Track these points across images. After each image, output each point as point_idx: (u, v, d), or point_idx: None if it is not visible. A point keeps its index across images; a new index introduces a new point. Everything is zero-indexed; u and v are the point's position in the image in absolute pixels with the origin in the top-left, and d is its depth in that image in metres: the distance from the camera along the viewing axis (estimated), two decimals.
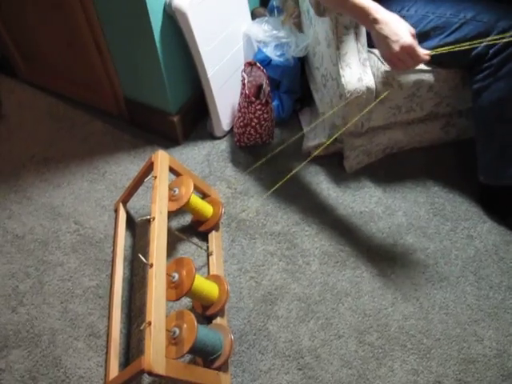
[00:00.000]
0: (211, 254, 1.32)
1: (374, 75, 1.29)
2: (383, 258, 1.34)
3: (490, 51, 1.18)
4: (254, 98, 1.46)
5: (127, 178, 1.55)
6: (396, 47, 1.03)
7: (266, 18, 1.59)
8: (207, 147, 1.64)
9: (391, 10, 1.27)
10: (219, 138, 1.66)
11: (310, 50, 1.53)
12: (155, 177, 1.17)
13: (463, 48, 1.11)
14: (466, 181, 1.49)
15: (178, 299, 1.04)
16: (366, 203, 1.46)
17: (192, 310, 1.22)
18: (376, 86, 1.29)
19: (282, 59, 1.54)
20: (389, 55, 1.07)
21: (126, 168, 1.58)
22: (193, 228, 1.41)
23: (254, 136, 1.55)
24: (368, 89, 1.27)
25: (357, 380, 1.13)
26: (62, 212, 1.47)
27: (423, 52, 1.05)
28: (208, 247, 1.35)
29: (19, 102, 1.83)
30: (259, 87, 1.56)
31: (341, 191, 1.49)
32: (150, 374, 0.88)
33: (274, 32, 1.54)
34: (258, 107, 1.47)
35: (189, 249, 1.37)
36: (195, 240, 1.39)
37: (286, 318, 1.23)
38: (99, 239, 1.40)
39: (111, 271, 1.32)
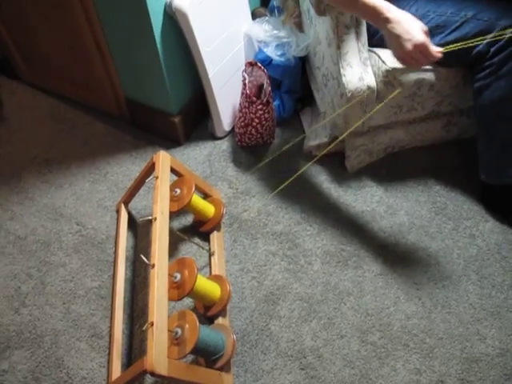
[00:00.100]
0: (213, 254, 1.32)
1: (374, 74, 1.29)
2: (385, 257, 1.33)
3: (491, 50, 1.18)
4: (255, 98, 1.46)
5: (129, 179, 1.55)
6: (409, 46, 1.02)
7: (267, 18, 1.59)
8: (208, 147, 1.64)
9: None
10: (220, 138, 1.66)
11: (311, 49, 1.53)
12: (157, 177, 1.17)
13: (475, 43, 1.10)
14: (467, 180, 1.49)
15: (179, 299, 1.04)
16: (368, 202, 1.46)
17: (194, 310, 1.22)
18: (377, 85, 1.29)
19: (282, 59, 1.54)
20: (402, 54, 1.06)
21: (127, 169, 1.59)
22: (194, 228, 1.41)
23: (255, 136, 1.55)
24: (369, 88, 1.27)
25: (359, 380, 1.13)
26: (64, 213, 1.47)
27: (436, 49, 1.04)
28: (210, 247, 1.35)
29: (20, 104, 1.83)
30: (260, 87, 1.56)
31: (342, 191, 1.49)
32: (153, 374, 0.88)
33: (275, 32, 1.54)
34: (259, 107, 1.47)
35: (190, 249, 1.38)
36: (197, 240, 1.39)
37: (288, 318, 1.23)
38: (101, 240, 1.40)
39: (113, 272, 1.32)
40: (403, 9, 1.27)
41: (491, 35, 1.15)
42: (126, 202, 1.42)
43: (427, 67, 1.28)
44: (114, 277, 1.31)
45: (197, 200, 1.31)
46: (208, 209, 1.36)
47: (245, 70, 1.49)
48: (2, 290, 1.31)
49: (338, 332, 1.20)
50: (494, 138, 1.29)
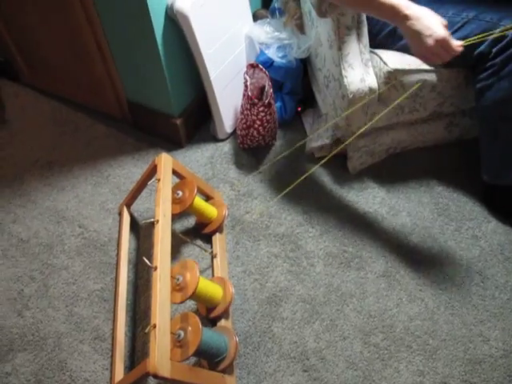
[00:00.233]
0: (215, 257, 1.32)
1: (376, 75, 1.29)
2: (387, 258, 1.33)
3: (493, 50, 1.18)
4: (256, 100, 1.46)
5: (131, 181, 1.55)
6: (430, 41, 1.02)
7: (268, 20, 1.59)
8: (210, 149, 1.64)
9: None
10: (222, 140, 1.66)
11: (312, 51, 1.53)
12: (159, 180, 1.17)
13: (495, 36, 1.10)
14: (469, 180, 1.49)
15: (182, 302, 1.04)
16: (370, 204, 1.46)
17: (196, 312, 1.22)
18: (378, 86, 1.29)
19: (284, 61, 1.54)
20: (423, 50, 1.05)
21: (129, 171, 1.59)
22: (197, 230, 1.41)
23: (257, 138, 1.55)
24: (371, 89, 1.27)
25: (362, 381, 1.13)
26: (67, 215, 1.48)
27: (456, 43, 1.04)
28: (212, 249, 1.35)
29: (22, 106, 1.84)
30: (262, 89, 1.56)
31: (344, 192, 1.49)
32: (155, 376, 0.88)
33: (276, 34, 1.54)
34: (261, 109, 1.47)
35: (193, 251, 1.38)
36: (199, 242, 1.39)
37: (290, 320, 1.23)
38: (103, 242, 1.41)
39: (116, 274, 1.33)
40: None
41: (498, 30, 1.14)
42: (129, 204, 1.43)
43: (428, 68, 1.28)
44: (116, 279, 1.31)
45: (199, 202, 1.31)
46: (210, 211, 1.36)
47: (246, 72, 1.49)
48: (5, 293, 1.31)
49: (340, 334, 1.20)
50: (496, 138, 1.29)
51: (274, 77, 1.56)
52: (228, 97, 1.59)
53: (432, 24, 1.02)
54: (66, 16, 1.46)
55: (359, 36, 1.26)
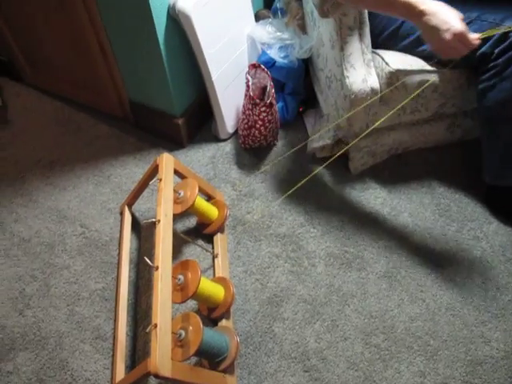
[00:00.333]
0: (216, 257, 1.32)
1: (378, 76, 1.29)
2: (389, 259, 1.33)
3: (495, 51, 1.18)
4: (258, 100, 1.46)
5: (132, 181, 1.55)
6: (447, 36, 1.01)
7: (270, 20, 1.59)
8: (212, 149, 1.64)
9: None
10: (224, 140, 1.66)
11: (314, 51, 1.53)
12: (160, 179, 1.17)
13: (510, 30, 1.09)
14: (471, 181, 1.49)
15: (183, 302, 1.04)
16: (371, 204, 1.46)
17: (198, 312, 1.22)
18: (380, 86, 1.29)
19: (286, 61, 1.54)
20: (440, 45, 1.04)
21: (131, 171, 1.59)
22: (198, 230, 1.41)
23: (259, 138, 1.55)
24: (373, 90, 1.27)
25: (363, 382, 1.13)
26: (68, 215, 1.48)
27: (473, 36, 1.03)
28: (213, 249, 1.35)
29: (24, 106, 1.84)
30: (263, 89, 1.56)
31: (346, 192, 1.49)
32: (156, 376, 0.88)
33: (278, 34, 1.54)
34: (263, 109, 1.47)
35: (194, 251, 1.38)
36: (200, 242, 1.39)
37: (291, 320, 1.23)
38: (105, 242, 1.41)
39: (117, 274, 1.33)
40: None
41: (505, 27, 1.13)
42: (130, 204, 1.43)
43: (430, 68, 1.28)
44: (117, 279, 1.31)
45: (200, 202, 1.31)
46: (211, 211, 1.36)
47: (248, 72, 1.49)
48: (6, 292, 1.31)
49: (341, 334, 1.20)
50: (498, 139, 1.29)
51: (276, 77, 1.56)
52: (230, 97, 1.59)
53: (449, 18, 1.01)
54: (69, 16, 1.46)
55: (361, 36, 1.26)
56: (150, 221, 1.17)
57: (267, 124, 1.51)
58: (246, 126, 1.54)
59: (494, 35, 1.12)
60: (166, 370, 0.89)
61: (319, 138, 1.54)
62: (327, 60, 1.40)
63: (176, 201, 1.25)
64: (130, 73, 1.55)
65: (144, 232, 1.44)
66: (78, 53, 1.59)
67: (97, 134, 1.71)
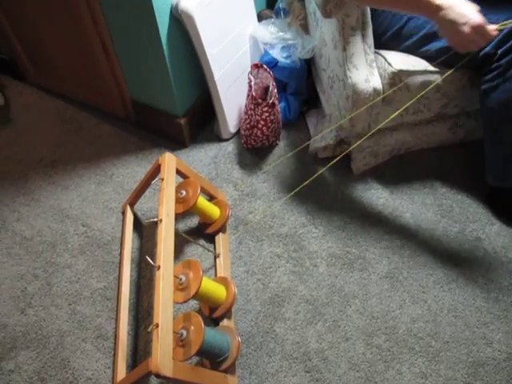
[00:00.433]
0: (218, 256, 1.32)
1: (380, 76, 1.29)
2: (391, 259, 1.33)
3: (499, 52, 1.17)
4: (260, 100, 1.46)
5: (134, 181, 1.55)
6: (466, 29, 1.00)
7: (273, 20, 1.59)
8: (214, 149, 1.64)
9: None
10: (226, 140, 1.66)
11: (317, 51, 1.53)
12: (162, 179, 1.17)
13: None
14: (473, 182, 1.48)
15: (185, 301, 1.04)
16: (373, 205, 1.46)
17: (199, 312, 1.22)
18: (383, 87, 1.28)
19: (288, 61, 1.54)
20: (459, 39, 1.03)
21: (133, 170, 1.59)
22: (200, 230, 1.41)
23: (261, 138, 1.55)
24: (375, 90, 1.27)
25: (364, 383, 1.12)
26: (70, 214, 1.48)
27: (492, 28, 1.02)
28: (215, 249, 1.35)
29: (27, 105, 1.84)
30: (266, 89, 1.56)
31: (348, 193, 1.49)
32: (158, 375, 0.88)
33: (281, 34, 1.54)
34: (265, 109, 1.47)
35: (196, 251, 1.38)
36: (202, 242, 1.39)
37: (293, 321, 1.23)
38: (107, 241, 1.41)
39: (119, 273, 1.33)
40: None
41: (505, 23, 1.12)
42: (132, 203, 1.43)
43: (433, 69, 1.28)
44: (119, 278, 1.31)
45: (202, 202, 1.32)
46: (213, 211, 1.36)
47: (250, 72, 1.49)
48: (8, 291, 1.32)
49: (343, 335, 1.20)
50: (500, 140, 1.29)
51: (278, 77, 1.56)
52: (232, 97, 1.59)
53: (466, 11, 1.00)
54: (72, 15, 1.46)
55: (364, 37, 1.26)
56: (151, 220, 1.17)
57: (269, 124, 1.51)
58: (248, 125, 1.54)
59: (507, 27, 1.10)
60: (168, 370, 0.89)
61: (321, 138, 1.54)
62: (330, 60, 1.40)
63: (178, 200, 1.25)
64: (133, 72, 1.55)
65: (146, 231, 1.44)
66: (80, 52, 1.59)
67: (99, 134, 1.72)
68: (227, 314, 1.18)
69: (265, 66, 1.50)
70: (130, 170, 1.59)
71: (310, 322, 1.22)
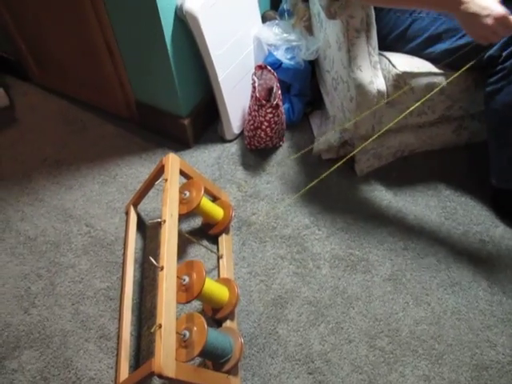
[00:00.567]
0: (221, 257, 1.32)
1: (385, 78, 1.28)
2: (394, 262, 1.33)
3: (503, 54, 1.17)
4: (264, 101, 1.46)
5: (138, 181, 1.55)
6: (489, 21, 0.99)
7: (277, 21, 1.59)
8: (218, 150, 1.64)
9: (402, 13, 1.28)
10: (229, 141, 1.67)
11: (321, 52, 1.53)
12: (166, 180, 1.17)
13: None
14: (478, 184, 1.48)
15: (188, 302, 1.04)
16: (377, 207, 1.45)
17: (202, 312, 1.22)
18: (387, 88, 1.28)
19: (292, 62, 1.54)
20: (482, 31, 1.02)
21: (136, 171, 1.59)
22: (203, 231, 1.41)
23: (265, 139, 1.55)
24: (379, 92, 1.27)
25: None
26: (74, 214, 1.48)
27: None
28: (218, 250, 1.36)
29: (31, 105, 1.85)
30: (270, 90, 1.56)
31: (351, 194, 1.49)
32: (160, 376, 0.88)
33: (285, 35, 1.54)
34: (269, 110, 1.47)
35: (199, 252, 1.38)
36: (205, 243, 1.39)
37: (296, 322, 1.23)
38: (110, 241, 1.41)
39: (122, 273, 1.33)
40: (414, 11, 1.27)
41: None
42: (135, 203, 1.43)
43: (438, 71, 1.28)
44: (122, 278, 1.31)
45: (206, 203, 1.32)
46: (217, 212, 1.36)
47: (254, 73, 1.49)
48: (12, 290, 1.32)
49: (346, 337, 1.20)
50: (505, 142, 1.28)
51: (282, 78, 1.56)
52: (236, 98, 1.59)
53: (487, 3, 1.00)
54: (76, 16, 1.47)
55: (368, 38, 1.26)
56: (155, 221, 1.17)
57: (273, 125, 1.51)
58: (252, 127, 1.54)
59: None
60: (170, 371, 0.89)
61: (325, 139, 1.54)
62: (334, 62, 1.40)
63: (181, 201, 1.25)
64: (137, 73, 1.55)
65: (149, 232, 1.44)
66: (85, 53, 1.59)
67: (103, 134, 1.72)
68: (230, 315, 1.18)
69: (269, 68, 1.50)
70: (134, 171, 1.59)
71: (312, 324, 1.22)
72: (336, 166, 1.24)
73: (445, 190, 1.48)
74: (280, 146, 1.64)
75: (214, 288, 1.14)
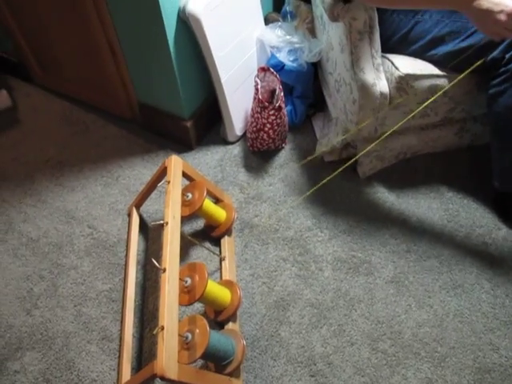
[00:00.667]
0: (224, 259, 1.32)
1: (387, 80, 1.28)
2: (396, 264, 1.33)
3: (506, 56, 1.17)
4: (267, 103, 1.46)
5: (140, 183, 1.56)
6: (502, 17, 0.99)
7: (280, 23, 1.59)
8: (220, 152, 1.64)
9: (405, 15, 1.28)
10: (232, 143, 1.67)
11: (324, 55, 1.53)
12: (168, 181, 1.17)
13: None
14: (480, 187, 1.48)
15: (190, 304, 1.04)
16: (379, 209, 1.45)
17: (204, 315, 1.22)
18: (390, 91, 1.28)
19: (295, 64, 1.54)
20: (496, 28, 1.02)
21: (139, 172, 1.59)
22: (205, 233, 1.41)
23: (267, 141, 1.55)
24: (382, 94, 1.27)
25: None
26: (76, 216, 1.49)
27: None
28: (220, 252, 1.35)
29: (34, 107, 1.85)
30: (272, 92, 1.56)
31: (353, 196, 1.49)
32: (163, 378, 0.88)
33: (288, 37, 1.54)
34: (271, 112, 1.47)
35: (201, 254, 1.38)
36: (208, 245, 1.39)
37: (298, 324, 1.22)
38: (112, 243, 1.41)
39: (124, 275, 1.33)
40: (417, 13, 1.27)
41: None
42: (138, 205, 1.43)
43: (440, 73, 1.27)
44: (124, 280, 1.31)
45: (208, 205, 1.32)
46: (219, 213, 1.36)
47: (257, 75, 1.50)
48: (14, 292, 1.32)
49: (348, 339, 1.19)
50: (508, 145, 1.28)
51: (285, 80, 1.56)
52: (238, 100, 1.59)
53: None
54: (79, 17, 1.47)
55: (371, 40, 1.26)
56: (157, 223, 1.17)
57: (276, 127, 1.51)
58: (255, 129, 1.54)
59: None
60: (172, 373, 0.89)
61: (328, 141, 1.54)
62: (336, 64, 1.40)
63: (184, 203, 1.25)
64: (140, 74, 1.56)
65: (151, 234, 1.44)
66: (87, 54, 1.60)
67: (105, 135, 1.72)
68: (232, 317, 1.18)
69: (271, 69, 1.51)
70: (137, 172, 1.60)
71: (315, 326, 1.22)
72: (341, 169, 1.23)
73: (447, 193, 1.48)
74: (282, 148, 1.64)
75: (217, 290, 1.14)
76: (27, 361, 1.19)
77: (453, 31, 1.22)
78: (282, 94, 1.49)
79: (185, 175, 1.27)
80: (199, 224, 1.45)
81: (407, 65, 1.28)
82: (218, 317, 1.18)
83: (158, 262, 1.06)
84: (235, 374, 1.08)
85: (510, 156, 1.29)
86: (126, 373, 1.12)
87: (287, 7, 1.68)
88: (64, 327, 1.25)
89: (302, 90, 1.64)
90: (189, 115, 1.59)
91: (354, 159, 1.27)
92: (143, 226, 1.44)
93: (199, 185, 1.27)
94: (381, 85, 1.27)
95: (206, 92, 1.60)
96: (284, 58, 1.54)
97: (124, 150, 1.67)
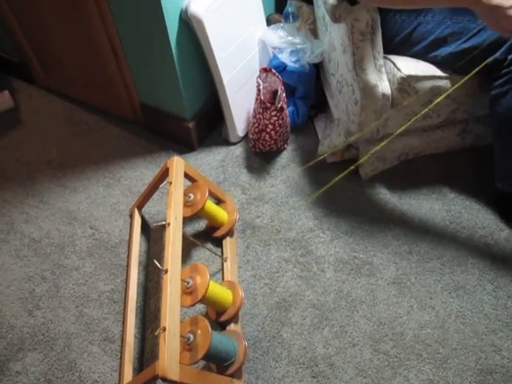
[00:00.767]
0: (225, 260, 1.32)
1: (389, 81, 1.28)
2: (398, 265, 1.32)
3: (508, 57, 1.17)
4: (269, 104, 1.46)
5: (142, 184, 1.56)
6: None
7: (282, 24, 1.59)
8: (222, 153, 1.64)
9: (407, 16, 1.28)
10: (234, 144, 1.67)
11: (326, 56, 1.53)
12: (170, 182, 1.18)
13: None
14: (482, 188, 1.47)
15: (192, 305, 1.04)
16: (381, 210, 1.45)
17: (206, 316, 1.22)
18: (392, 92, 1.28)
19: (297, 65, 1.54)
20: (506, 24, 1.01)
21: (141, 173, 1.60)
22: (207, 234, 1.41)
23: (269, 142, 1.55)
24: (384, 95, 1.27)
25: None
26: (78, 216, 1.49)
27: None
28: (222, 253, 1.35)
29: (36, 108, 1.86)
30: (274, 93, 1.56)
31: (355, 198, 1.48)
32: (164, 379, 0.88)
33: (290, 38, 1.54)
34: (273, 113, 1.47)
35: (203, 255, 1.38)
36: (210, 246, 1.39)
37: (300, 325, 1.22)
38: (114, 244, 1.41)
39: (126, 276, 1.33)
40: (419, 15, 1.27)
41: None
42: (140, 206, 1.43)
43: (442, 74, 1.27)
44: (126, 281, 1.31)
45: (210, 206, 1.32)
46: (221, 214, 1.36)
47: (259, 76, 1.50)
48: (16, 292, 1.32)
49: (350, 340, 1.19)
50: (510, 145, 1.28)
51: (287, 81, 1.56)
52: (240, 101, 1.59)
53: None
54: (81, 18, 1.47)
55: (373, 42, 1.26)
56: (159, 223, 1.17)
57: (278, 128, 1.51)
58: (257, 129, 1.54)
59: None
60: (174, 374, 0.89)
61: (330, 142, 1.54)
62: (338, 65, 1.39)
63: (186, 204, 1.25)
64: (142, 75, 1.56)
65: (153, 235, 1.44)
66: (89, 55, 1.60)
67: (107, 136, 1.72)
68: (234, 318, 1.18)
69: (273, 70, 1.51)
70: (138, 173, 1.60)
71: (316, 327, 1.22)
72: (346, 171, 1.22)
73: (449, 194, 1.48)
74: (284, 148, 1.64)
75: (218, 291, 1.14)
76: (29, 362, 1.19)
77: (455, 32, 1.22)
78: (284, 94, 1.49)
79: (187, 176, 1.27)
80: (201, 225, 1.45)
81: (409, 66, 1.28)
82: (220, 318, 1.18)
83: (159, 263, 1.06)
84: (237, 375, 1.08)
85: (511, 157, 1.29)
86: (128, 374, 1.12)
87: (289, 8, 1.68)
88: (66, 328, 1.25)
89: (304, 91, 1.64)
90: (191, 116, 1.59)
91: (357, 163, 1.27)
92: (145, 227, 1.45)
93: (201, 186, 1.27)
94: (383, 86, 1.27)
95: (208, 93, 1.61)
96: (286, 58, 1.54)
97: (126, 150, 1.67)
